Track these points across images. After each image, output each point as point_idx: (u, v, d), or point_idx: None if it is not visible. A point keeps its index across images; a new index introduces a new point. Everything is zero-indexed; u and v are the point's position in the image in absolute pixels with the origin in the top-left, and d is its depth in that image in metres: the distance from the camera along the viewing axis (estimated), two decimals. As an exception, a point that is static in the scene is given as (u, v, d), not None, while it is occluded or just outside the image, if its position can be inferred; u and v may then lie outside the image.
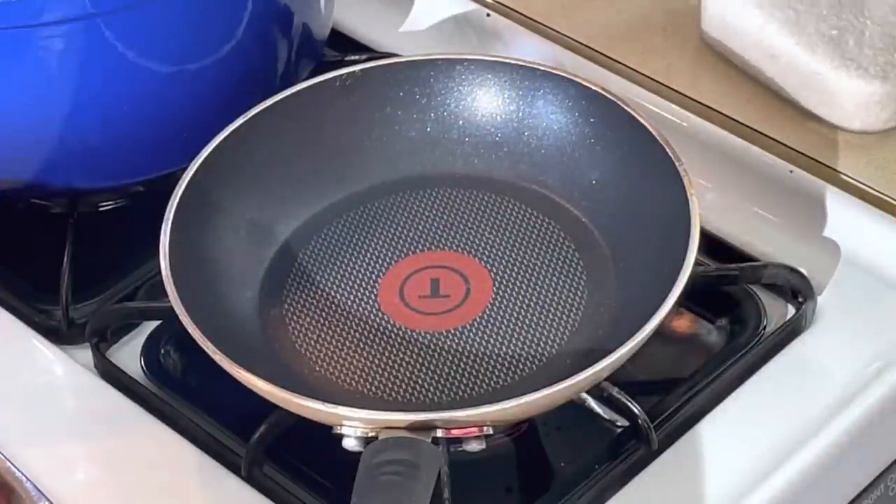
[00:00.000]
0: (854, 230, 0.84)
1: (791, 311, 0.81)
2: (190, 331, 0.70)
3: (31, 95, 0.80)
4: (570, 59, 0.95)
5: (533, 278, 0.78)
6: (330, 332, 0.77)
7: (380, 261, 0.80)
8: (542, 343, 0.75)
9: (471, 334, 0.76)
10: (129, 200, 0.90)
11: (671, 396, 0.76)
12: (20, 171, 0.84)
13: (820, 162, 0.88)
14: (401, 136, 0.84)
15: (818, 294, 0.80)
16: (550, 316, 0.76)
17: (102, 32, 0.78)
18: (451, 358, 0.75)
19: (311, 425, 0.70)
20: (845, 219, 0.84)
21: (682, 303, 0.73)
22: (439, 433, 0.67)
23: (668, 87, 0.93)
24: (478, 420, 0.68)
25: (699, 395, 0.76)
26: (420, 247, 0.80)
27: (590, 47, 0.96)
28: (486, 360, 0.74)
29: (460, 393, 0.73)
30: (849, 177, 0.87)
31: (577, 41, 0.97)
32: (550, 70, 0.82)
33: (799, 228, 0.84)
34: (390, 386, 0.74)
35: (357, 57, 0.94)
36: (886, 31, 0.89)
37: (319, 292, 0.79)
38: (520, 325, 0.76)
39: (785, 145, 0.89)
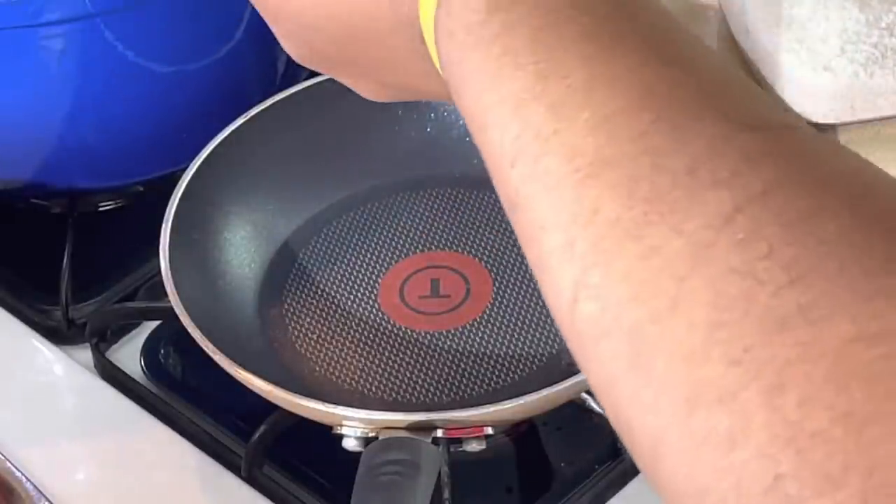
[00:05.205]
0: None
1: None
2: (190, 331, 0.70)
3: (31, 95, 0.79)
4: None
5: (533, 278, 0.78)
6: (330, 332, 0.77)
7: (380, 261, 0.80)
8: (542, 343, 0.75)
9: (471, 334, 0.76)
10: (129, 200, 0.90)
11: (671, 396, 0.76)
12: (20, 171, 0.84)
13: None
14: (401, 136, 0.84)
15: (818, 294, 0.80)
16: (550, 316, 0.76)
17: (102, 32, 0.78)
18: (451, 358, 0.75)
19: (311, 425, 0.70)
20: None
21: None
22: (439, 433, 0.67)
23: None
24: (478, 420, 0.67)
25: (699, 395, 0.76)
26: (420, 247, 0.80)
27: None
28: (486, 360, 0.74)
29: (460, 393, 0.73)
30: (849, 177, 0.86)
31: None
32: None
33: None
34: (390, 386, 0.74)
35: (357, 57, 0.94)
36: (872, 28, 0.85)
37: (319, 292, 0.79)
38: (520, 325, 0.76)
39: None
